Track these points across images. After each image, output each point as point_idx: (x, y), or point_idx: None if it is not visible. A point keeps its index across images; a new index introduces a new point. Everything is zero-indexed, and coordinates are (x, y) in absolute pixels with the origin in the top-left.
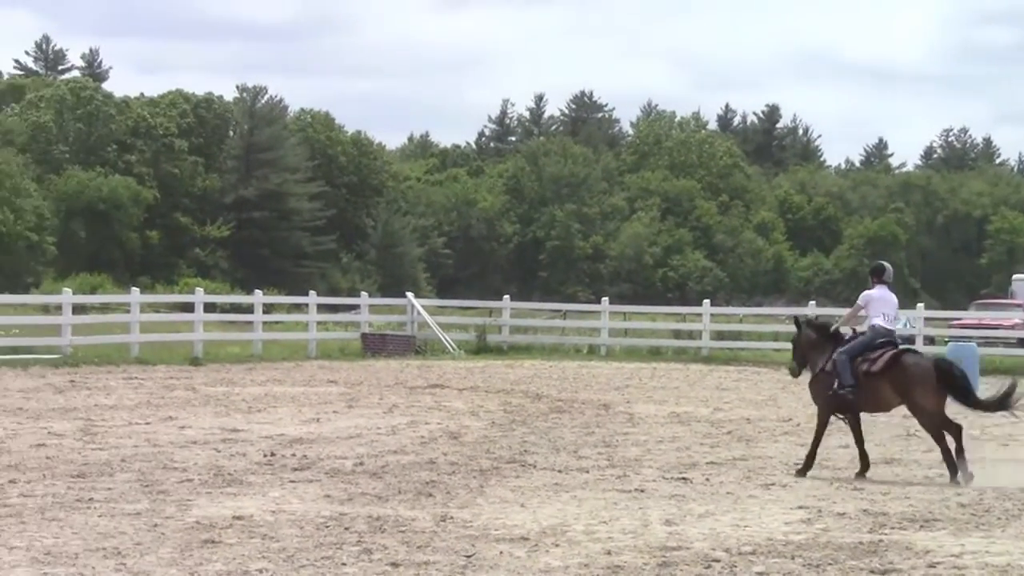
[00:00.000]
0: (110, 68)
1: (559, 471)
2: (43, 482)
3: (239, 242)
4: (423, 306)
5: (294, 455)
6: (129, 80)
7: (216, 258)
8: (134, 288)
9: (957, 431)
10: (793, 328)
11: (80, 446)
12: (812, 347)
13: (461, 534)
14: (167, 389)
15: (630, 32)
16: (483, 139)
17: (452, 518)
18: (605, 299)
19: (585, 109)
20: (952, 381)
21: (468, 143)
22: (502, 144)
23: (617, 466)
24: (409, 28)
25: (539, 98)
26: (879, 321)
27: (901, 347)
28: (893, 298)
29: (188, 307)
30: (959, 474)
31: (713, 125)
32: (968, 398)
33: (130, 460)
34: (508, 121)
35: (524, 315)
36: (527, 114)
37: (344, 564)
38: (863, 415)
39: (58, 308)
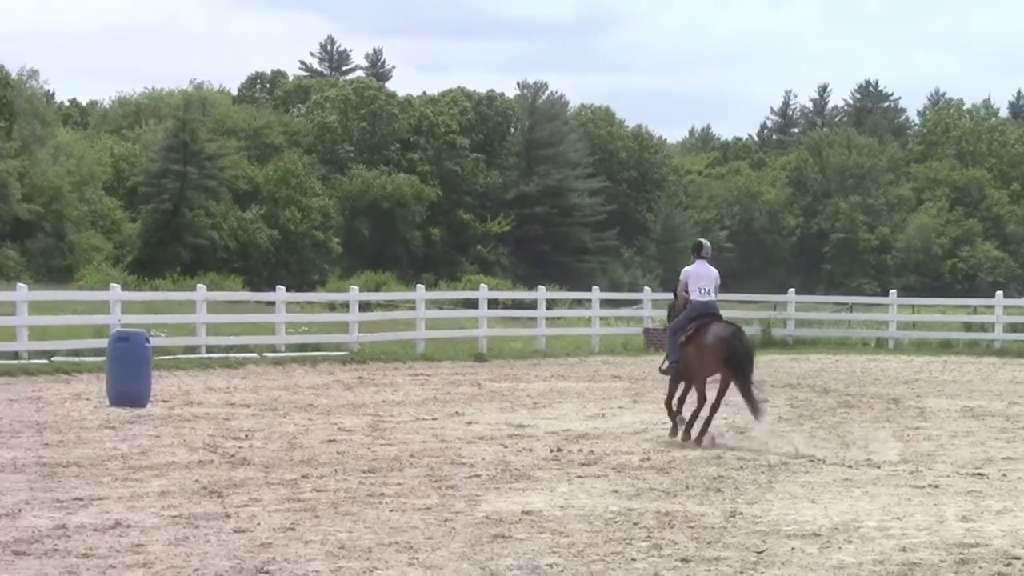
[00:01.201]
0: (393, 68)
1: (849, 466)
2: (335, 477)
3: (520, 238)
4: None
5: (580, 450)
6: (411, 79)
7: (497, 254)
8: (419, 285)
9: (716, 407)
10: None
11: (369, 441)
12: (677, 315)
13: (751, 530)
14: (453, 385)
15: (916, 18)
16: (765, 131)
17: (741, 514)
18: (893, 291)
19: (870, 98)
20: (734, 356)
21: (750, 135)
22: (785, 136)
23: (909, 461)
24: (689, 21)
25: (823, 88)
26: (696, 296)
27: (711, 320)
28: (710, 271)
29: (471, 303)
30: (695, 436)
31: (1005, 112)
32: (743, 377)
33: (419, 455)
34: (791, 112)
35: (808, 308)
36: (810, 105)
37: (634, 559)
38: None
39: (345, 305)
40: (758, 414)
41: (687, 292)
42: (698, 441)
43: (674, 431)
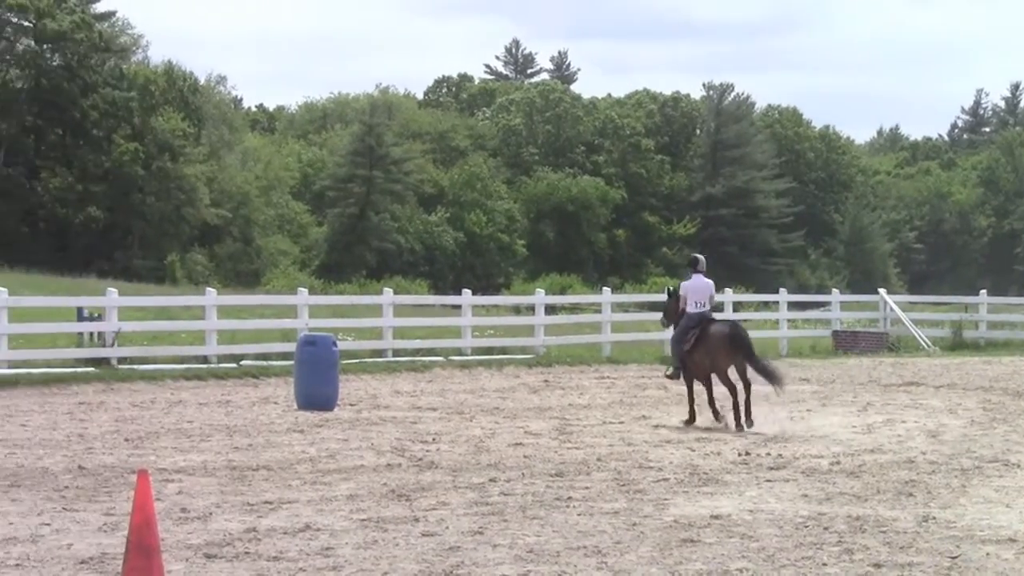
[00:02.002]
0: (578, 70)
1: None
2: (522, 481)
3: (706, 240)
4: (895, 302)
5: (769, 454)
6: (596, 81)
7: (683, 256)
8: (605, 288)
9: (747, 387)
10: None
11: (556, 445)
12: (674, 313)
13: (944, 535)
14: (639, 388)
15: None
16: (956, 131)
17: (934, 518)
18: None
19: None
20: (741, 343)
21: (940, 135)
22: (976, 135)
23: None
24: (877, 21)
25: (1015, 87)
26: (691, 309)
27: (707, 323)
28: (705, 284)
29: (657, 306)
30: (742, 425)
31: None
32: (753, 360)
33: (606, 459)
34: (982, 111)
35: (1001, 310)
36: (1002, 104)
37: (825, 564)
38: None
39: (530, 309)
40: (778, 382)
41: (685, 306)
42: (741, 426)
43: (718, 418)
